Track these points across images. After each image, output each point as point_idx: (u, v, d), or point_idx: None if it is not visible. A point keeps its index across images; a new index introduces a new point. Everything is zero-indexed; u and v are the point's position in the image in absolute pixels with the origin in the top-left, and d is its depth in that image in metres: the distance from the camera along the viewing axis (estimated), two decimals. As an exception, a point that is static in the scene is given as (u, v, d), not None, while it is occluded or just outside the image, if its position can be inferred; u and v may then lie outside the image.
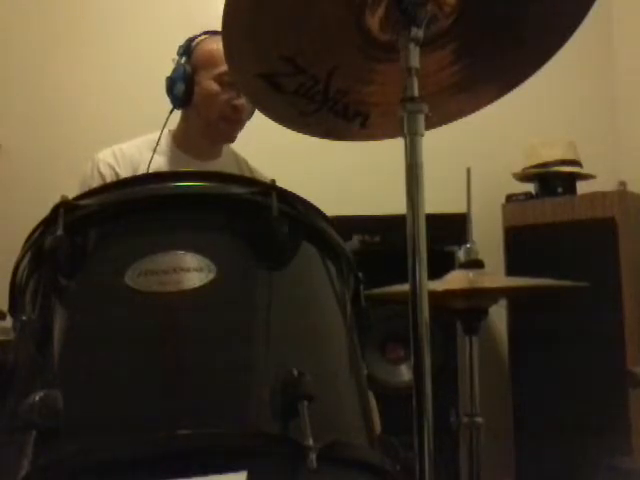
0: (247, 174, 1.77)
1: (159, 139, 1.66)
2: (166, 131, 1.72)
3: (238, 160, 1.81)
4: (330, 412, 0.80)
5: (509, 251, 2.56)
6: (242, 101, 1.63)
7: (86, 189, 1.56)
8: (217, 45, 1.65)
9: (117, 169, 1.64)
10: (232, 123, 1.69)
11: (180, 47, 1.70)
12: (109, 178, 1.62)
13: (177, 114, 1.74)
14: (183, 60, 1.67)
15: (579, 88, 2.91)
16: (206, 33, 1.69)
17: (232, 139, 1.75)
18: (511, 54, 1.04)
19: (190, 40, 1.70)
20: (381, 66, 1.04)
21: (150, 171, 1.61)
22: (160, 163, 1.68)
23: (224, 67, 1.59)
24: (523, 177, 2.67)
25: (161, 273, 0.79)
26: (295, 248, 0.88)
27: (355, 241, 2.29)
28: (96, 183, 1.60)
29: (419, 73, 0.93)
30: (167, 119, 1.67)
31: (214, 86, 1.65)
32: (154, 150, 1.64)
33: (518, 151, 2.68)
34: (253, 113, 1.67)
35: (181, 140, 1.74)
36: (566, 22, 0.98)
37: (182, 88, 1.65)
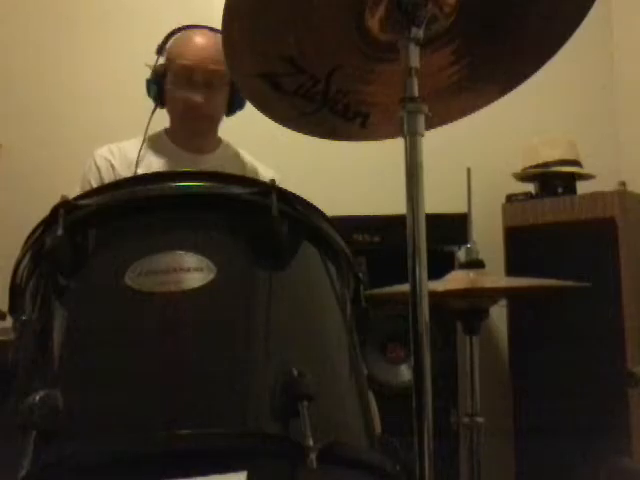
0: (248, 166, 1.78)
1: (145, 132, 1.67)
2: (162, 128, 1.75)
3: (236, 153, 1.81)
4: (330, 412, 0.80)
5: (509, 251, 2.56)
6: (197, 99, 1.63)
7: (86, 184, 1.61)
8: (183, 37, 1.68)
9: (112, 161, 1.68)
10: (193, 120, 1.69)
11: (157, 45, 1.71)
12: (104, 170, 1.66)
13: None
14: (158, 60, 1.69)
15: (579, 88, 2.91)
16: (180, 29, 1.71)
17: (199, 133, 1.74)
18: (511, 54, 1.04)
19: (166, 38, 1.71)
20: (381, 66, 1.04)
21: (144, 166, 1.64)
22: (155, 157, 1.70)
23: (179, 60, 1.63)
24: (523, 177, 2.67)
25: (161, 273, 0.79)
26: (295, 248, 0.88)
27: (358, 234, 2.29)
28: (93, 177, 1.66)
29: (419, 73, 0.93)
30: (150, 117, 1.68)
31: (172, 82, 1.66)
32: (142, 142, 1.66)
33: (518, 151, 2.68)
34: (227, 105, 1.68)
35: (174, 135, 1.76)
36: (566, 22, 0.98)
37: (155, 90, 1.68)
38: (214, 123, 1.74)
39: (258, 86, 1.02)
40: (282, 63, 0.99)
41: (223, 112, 1.73)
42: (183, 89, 1.65)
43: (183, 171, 0.92)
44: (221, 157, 1.76)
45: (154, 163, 1.68)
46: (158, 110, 1.70)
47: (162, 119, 1.72)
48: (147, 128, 1.68)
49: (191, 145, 1.74)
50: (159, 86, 1.68)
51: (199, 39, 1.67)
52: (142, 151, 1.64)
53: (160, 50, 1.70)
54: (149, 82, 1.70)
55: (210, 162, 1.71)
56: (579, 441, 2.21)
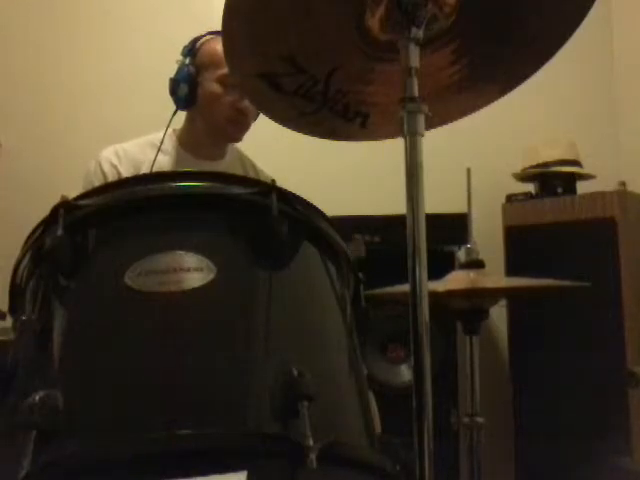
0: (252, 175, 1.77)
1: (163, 138, 1.66)
2: (170, 131, 1.72)
3: (243, 160, 1.81)
4: (330, 412, 0.80)
5: (509, 251, 2.56)
6: (247, 103, 1.62)
7: (89, 186, 1.60)
8: (221, 45, 1.64)
9: (119, 168, 1.65)
10: (238, 125, 1.69)
11: (184, 47, 1.69)
12: (111, 176, 1.63)
13: (181, 114, 1.73)
14: (187, 61, 1.66)
15: (579, 88, 2.91)
16: (211, 33, 1.68)
17: (238, 140, 1.74)
18: (511, 54, 1.04)
19: (194, 40, 1.69)
20: (381, 66, 1.04)
21: (153, 170, 1.61)
22: (164, 163, 1.67)
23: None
24: (523, 177, 2.67)
25: (161, 273, 0.79)
26: (295, 248, 0.88)
27: (361, 243, 2.28)
28: (98, 181, 1.62)
29: (419, 73, 0.93)
30: (171, 120, 1.66)
31: (217, 88, 1.64)
32: (158, 149, 1.63)
33: (518, 151, 2.68)
34: (259, 114, 1.67)
35: (186, 140, 1.73)
36: (566, 22, 0.98)
37: (185, 90, 1.64)
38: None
39: (258, 86, 1.02)
40: (282, 63, 0.99)
41: None
42: (232, 95, 1.63)
43: (183, 171, 0.92)
44: (228, 163, 1.75)
45: (163, 169, 1.64)
46: (152, 112, 1.68)
47: (159, 120, 1.69)
48: (165, 132, 1.66)
49: (203, 151, 1.72)
50: (190, 88, 1.64)
51: None
52: (150, 155, 1.63)
53: (189, 52, 1.67)
54: (177, 81, 1.65)
55: (219, 168, 1.69)
56: (579, 441, 2.22)
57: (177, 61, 1.68)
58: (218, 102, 1.65)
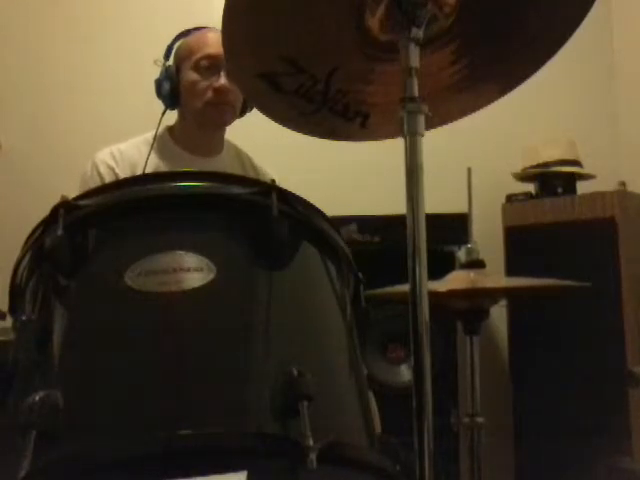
0: (250, 171, 1.77)
1: (155, 137, 1.66)
2: (165, 129, 1.72)
3: (241, 156, 1.80)
4: (330, 412, 0.80)
5: (509, 251, 2.56)
6: (222, 81, 1.62)
7: (86, 189, 1.58)
8: (193, 36, 1.69)
9: (116, 170, 1.64)
10: (219, 106, 1.67)
11: (166, 49, 1.71)
12: (108, 179, 1.62)
13: (174, 114, 1.74)
14: (167, 61, 1.69)
15: (579, 88, 2.91)
16: (182, 34, 1.71)
17: (224, 122, 1.72)
18: (511, 54, 1.04)
19: (171, 42, 1.72)
20: (381, 66, 1.04)
21: (149, 169, 1.61)
22: (160, 161, 1.68)
23: (200, 53, 1.63)
24: (523, 177, 2.68)
25: (161, 273, 0.79)
26: (295, 248, 0.88)
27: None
28: (95, 184, 1.61)
29: (419, 73, 0.93)
30: (160, 120, 1.67)
31: (193, 75, 1.65)
32: (151, 147, 1.64)
33: (518, 151, 2.68)
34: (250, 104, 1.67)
35: (180, 137, 1.73)
36: (566, 22, 0.98)
37: (167, 87, 1.66)
38: (233, 117, 1.71)
39: (258, 86, 1.02)
40: (282, 63, 0.99)
41: (239, 108, 1.71)
42: (209, 79, 1.64)
43: (183, 171, 0.92)
44: (225, 160, 1.75)
45: (160, 168, 1.65)
46: (150, 112, 1.67)
47: (157, 119, 1.68)
48: (156, 132, 1.66)
49: (197, 147, 1.72)
50: (172, 85, 1.66)
51: (212, 34, 1.67)
52: (146, 153, 1.63)
53: (168, 53, 1.69)
54: (160, 81, 1.68)
55: (216, 165, 1.70)
56: (579, 441, 2.22)
57: (156, 61, 1.69)
58: (196, 88, 1.65)
